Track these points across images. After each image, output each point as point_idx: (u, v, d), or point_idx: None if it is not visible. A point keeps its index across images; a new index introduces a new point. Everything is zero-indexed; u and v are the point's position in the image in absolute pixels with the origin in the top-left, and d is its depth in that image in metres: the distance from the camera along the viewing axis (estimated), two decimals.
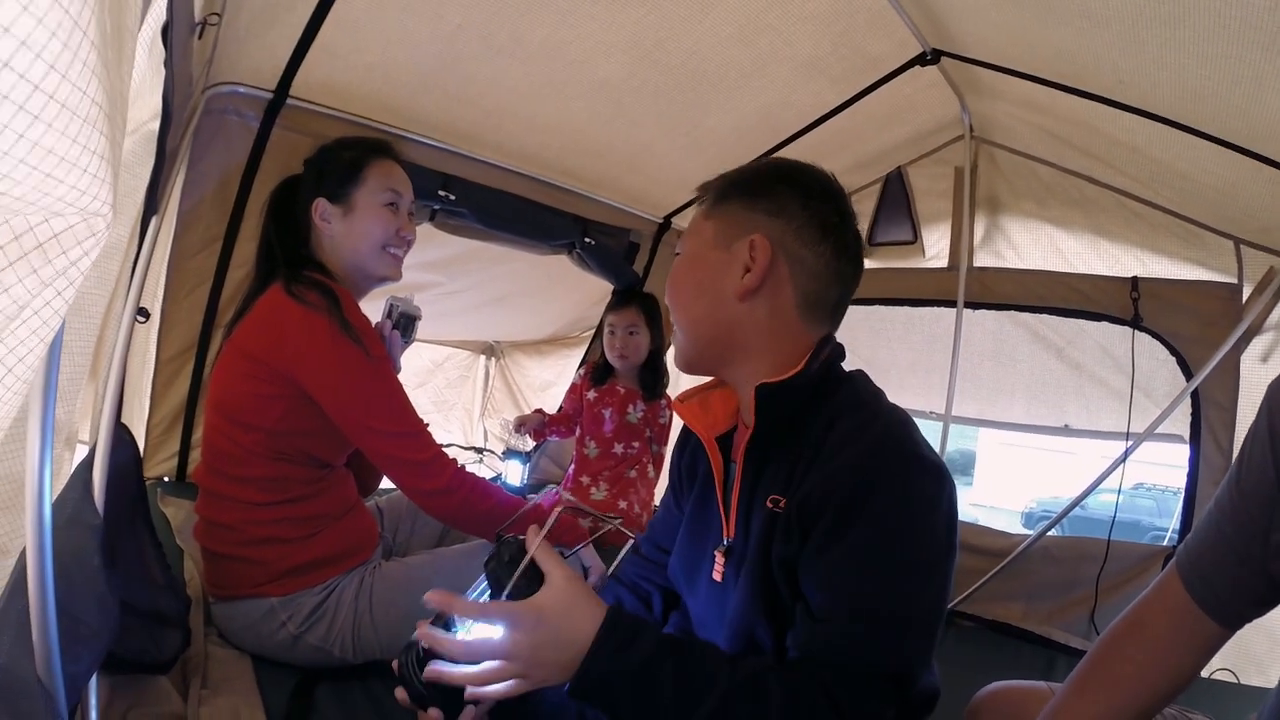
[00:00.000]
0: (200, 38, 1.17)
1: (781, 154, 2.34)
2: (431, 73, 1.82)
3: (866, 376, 0.92)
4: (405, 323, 1.56)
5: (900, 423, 0.82)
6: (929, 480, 0.78)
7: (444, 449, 1.38)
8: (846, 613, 0.76)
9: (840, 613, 0.76)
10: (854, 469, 0.77)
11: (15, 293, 0.38)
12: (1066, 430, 2.43)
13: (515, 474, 2.89)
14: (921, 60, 1.92)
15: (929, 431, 2.59)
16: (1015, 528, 2.33)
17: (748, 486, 0.90)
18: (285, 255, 1.36)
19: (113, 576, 0.73)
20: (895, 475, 0.77)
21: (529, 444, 2.94)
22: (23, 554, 0.58)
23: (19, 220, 0.32)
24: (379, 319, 1.56)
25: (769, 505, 0.85)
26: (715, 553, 0.93)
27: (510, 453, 2.92)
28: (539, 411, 2.65)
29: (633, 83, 1.93)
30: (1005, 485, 13.44)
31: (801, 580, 0.81)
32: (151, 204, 1.15)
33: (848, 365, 0.94)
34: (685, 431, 1.05)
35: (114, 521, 0.88)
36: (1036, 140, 2.14)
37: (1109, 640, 0.80)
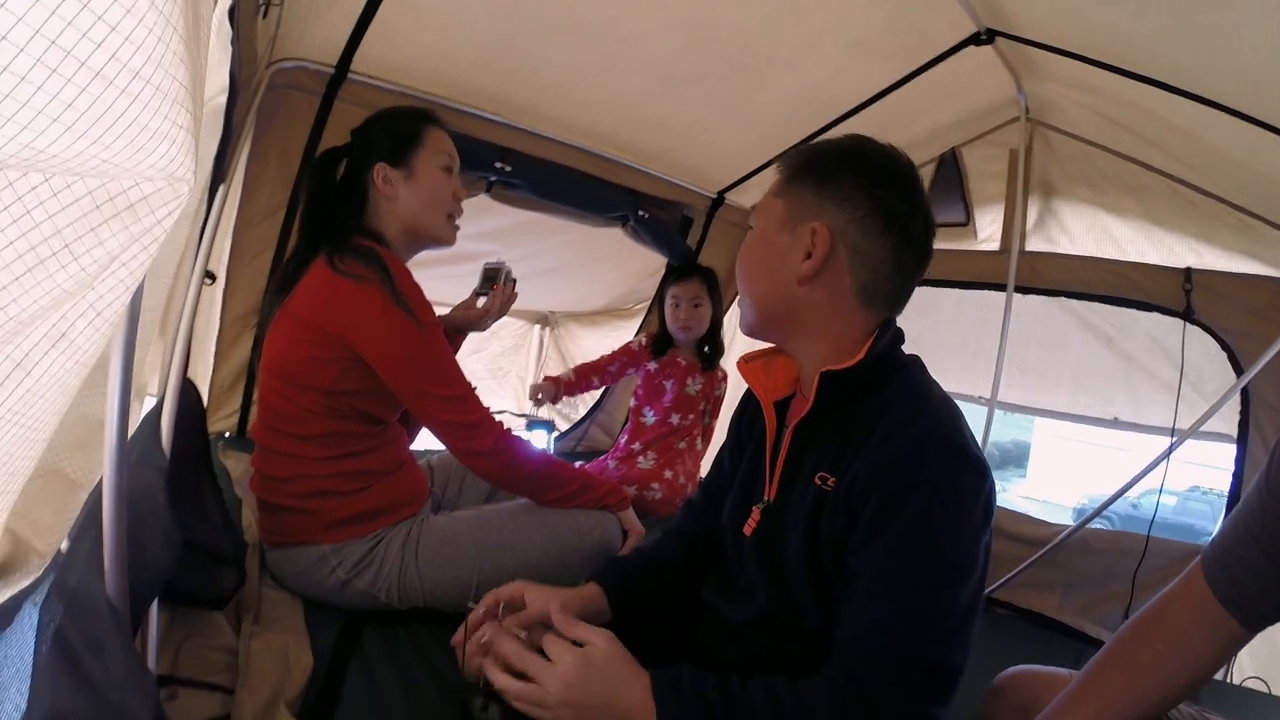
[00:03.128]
0: (264, 17, 1.23)
1: (835, 131, 2.32)
2: (487, 50, 1.85)
3: (921, 364, 0.95)
4: (492, 275, 1.70)
5: (949, 417, 0.84)
6: (971, 476, 0.80)
7: (491, 413, 1.43)
8: (886, 603, 0.78)
9: (880, 603, 0.79)
10: (900, 461, 0.80)
11: (109, 245, 0.43)
12: (1116, 423, 2.38)
13: (540, 443, 2.91)
14: (976, 40, 1.88)
15: (974, 416, 2.58)
16: (1067, 522, 2.31)
17: (794, 454, 0.94)
18: (332, 224, 1.40)
19: (176, 514, 0.79)
20: (940, 470, 0.79)
21: (579, 411, 2.95)
22: (96, 488, 0.64)
23: (114, 183, 0.37)
24: (498, 282, 1.72)
25: (817, 482, 0.88)
26: (754, 508, 0.98)
27: (534, 422, 2.96)
28: (551, 379, 2.63)
29: (684, 60, 1.95)
30: (1058, 478, 13.10)
31: (848, 564, 0.83)
32: (218, 173, 1.21)
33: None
34: (749, 393, 1.09)
35: (178, 466, 0.96)
36: (1091, 124, 2.09)
37: (1130, 630, 0.81)
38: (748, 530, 0.97)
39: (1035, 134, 2.29)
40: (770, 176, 0.99)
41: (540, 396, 2.57)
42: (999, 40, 1.87)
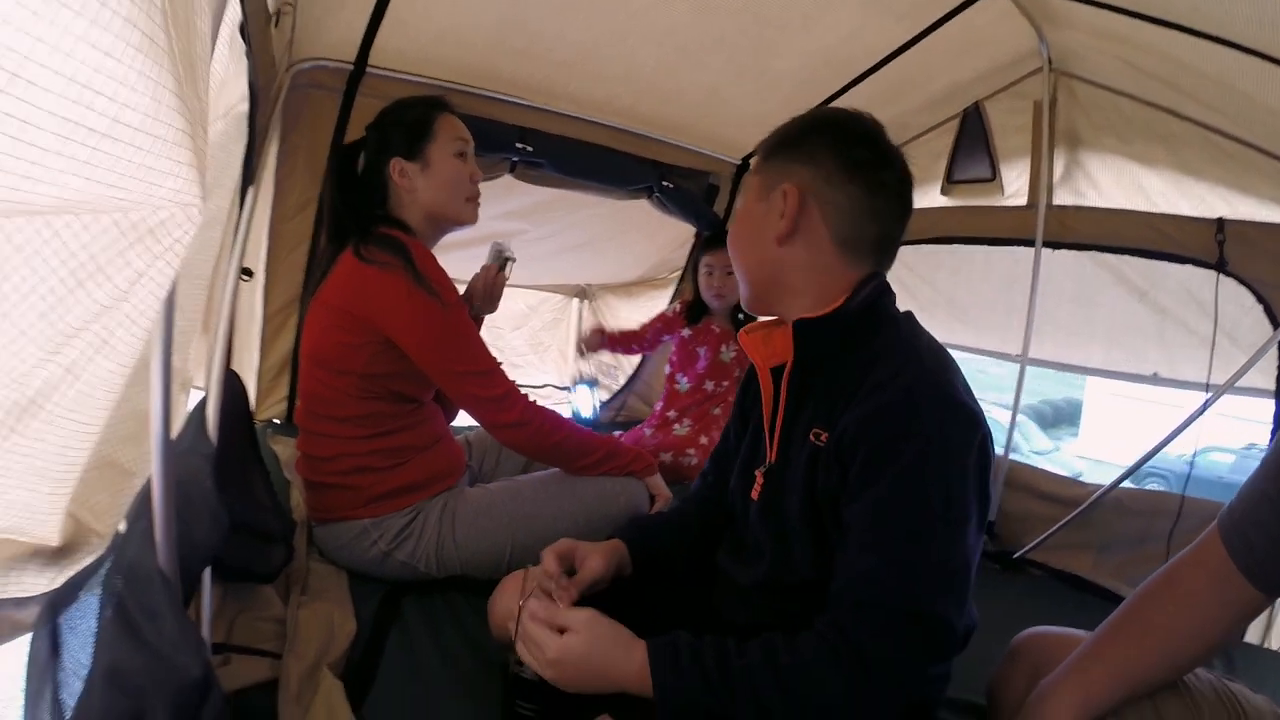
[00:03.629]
0: (277, 26, 1.29)
1: (854, 91, 2.31)
2: (499, 32, 1.89)
3: (913, 318, 0.97)
4: (507, 263, 1.71)
5: (938, 367, 0.86)
6: (962, 426, 0.81)
7: (516, 386, 1.49)
8: (875, 553, 0.80)
9: (869, 554, 0.81)
10: (889, 410, 0.82)
11: (136, 264, 0.49)
12: (1155, 378, 2.34)
13: (585, 401, 2.98)
14: None
15: (1007, 373, 2.55)
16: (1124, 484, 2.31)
17: (790, 415, 0.97)
18: (355, 218, 1.47)
19: (223, 497, 0.87)
20: (929, 420, 0.81)
21: (619, 381, 3.00)
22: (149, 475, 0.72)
23: (134, 214, 0.43)
24: (486, 260, 1.72)
25: (811, 439, 0.91)
26: (756, 472, 1.02)
27: (579, 380, 3.02)
28: (598, 330, 2.72)
29: (696, 29, 1.96)
30: (1112, 436, 12.77)
31: (843, 516, 0.86)
32: (247, 176, 1.29)
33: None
34: (752, 367, 1.12)
35: (225, 452, 1.04)
36: (1116, 72, 2.03)
37: (1145, 591, 0.80)
38: (754, 495, 1.01)
39: (1059, 85, 2.23)
40: None
41: (585, 348, 2.66)
42: None
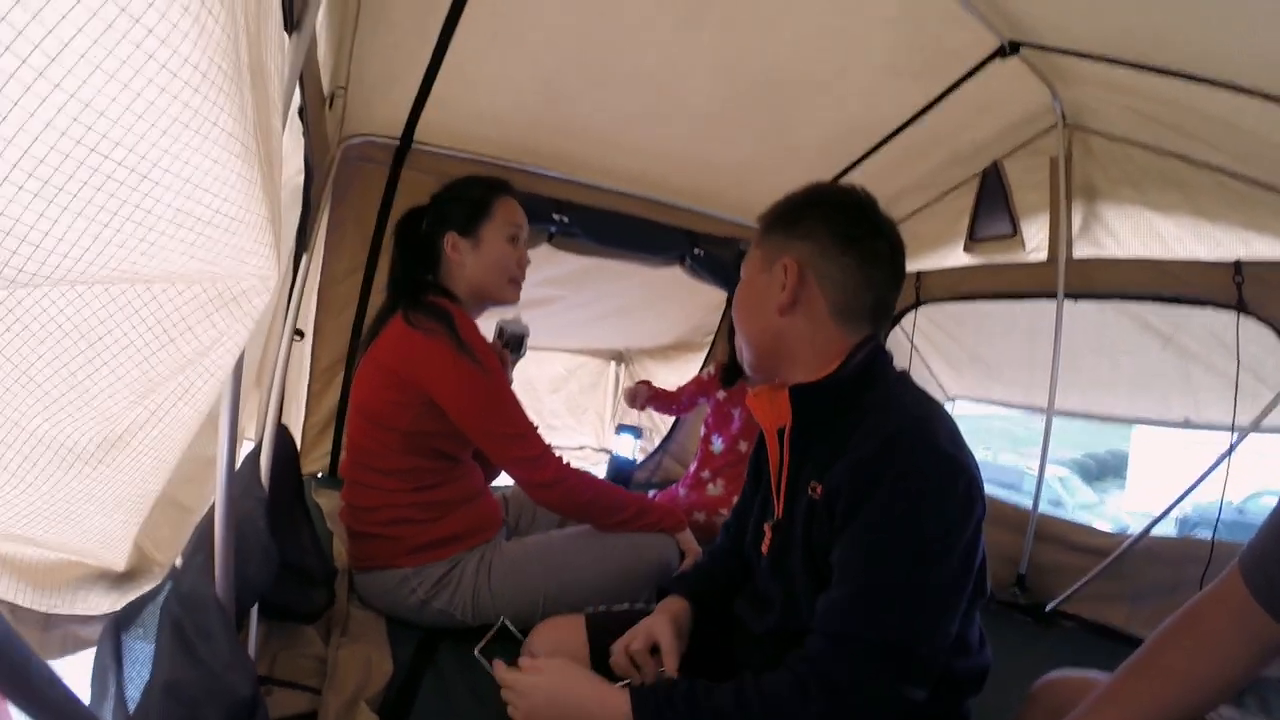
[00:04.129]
0: (331, 108, 1.42)
1: (877, 155, 2.40)
2: (536, 110, 2.03)
3: (907, 377, 1.01)
4: (515, 342, 1.76)
5: (922, 417, 0.90)
6: (939, 470, 0.85)
7: (550, 447, 1.56)
8: (849, 587, 0.85)
9: (841, 587, 0.86)
10: (868, 459, 0.86)
11: (219, 326, 0.58)
12: (1187, 424, 2.33)
13: (626, 447, 3.03)
14: (1001, 53, 1.93)
15: (1034, 425, 2.54)
16: (1170, 533, 2.22)
17: (793, 473, 1.01)
18: (409, 283, 1.57)
19: (273, 538, 0.95)
20: (902, 463, 0.84)
21: (639, 421, 3.06)
22: (207, 512, 0.80)
23: (222, 283, 0.52)
24: (492, 339, 1.77)
25: (809, 493, 0.96)
26: (765, 527, 1.06)
27: (622, 427, 3.07)
28: (644, 382, 2.79)
29: (722, 102, 2.07)
30: (1159, 487, 12.35)
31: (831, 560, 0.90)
32: (301, 244, 1.41)
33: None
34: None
35: (275, 498, 1.12)
36: (1127, 122, 2.08)
37: (1165, 631, 0.79)
38: (764, 549, 1.05)
39: (1074, 139, 2.29)
40: None
41: (632, 399, 2.72)
42: (1024, 50, 1.91)
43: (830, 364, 0.97)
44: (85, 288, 0.53)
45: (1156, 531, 2.15)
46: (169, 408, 0.62)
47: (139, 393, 0.59)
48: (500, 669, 0.98)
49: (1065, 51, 1.84)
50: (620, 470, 3.11)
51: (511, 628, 1.08)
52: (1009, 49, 1.91)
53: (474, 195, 1.60)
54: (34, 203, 0.36)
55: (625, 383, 3.87)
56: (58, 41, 0.32)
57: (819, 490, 0.93)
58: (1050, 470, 2.54)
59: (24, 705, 0.37)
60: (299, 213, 1.39)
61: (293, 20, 0.71)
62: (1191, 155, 2.00)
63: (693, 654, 1.13)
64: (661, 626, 1.11)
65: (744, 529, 1.20)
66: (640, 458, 3.16)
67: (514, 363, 1.79)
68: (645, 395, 2.75)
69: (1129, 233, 2.24)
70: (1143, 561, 2.09)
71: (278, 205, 0.52)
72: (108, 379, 0.57)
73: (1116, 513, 12.17)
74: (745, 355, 1.09)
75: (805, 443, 0.99)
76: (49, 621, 0.73)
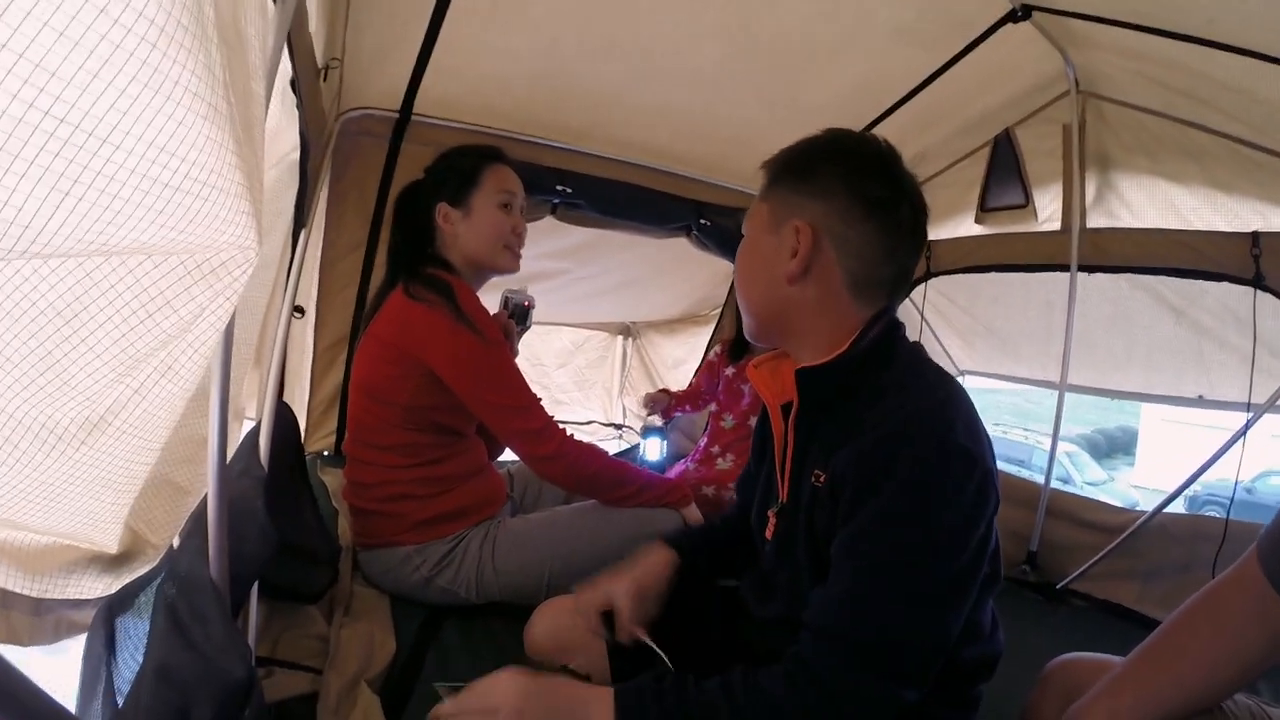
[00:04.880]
0: (325, 80, 1.39)
1: (886, 122, 2.35)
2: (537, 80, 1.99)
3: (922, 353, 0.93)
4: (520, 312, 1.74)
5: (937, 405, 0.82)
6: (952, 466, 0.78)
7: (554, 420, 1.54)
8: (846, 583, 0.80)
9: (841, 582, 0.80)
10: (876, 450, 0.79)
11: (199, 299, 0.56)
12: (1201, 401, 2.30)
13: (654, 450, 3.04)
14: (1013, 17, 1.87)
15: (1047, 400, 2.51)
16: (1180, 509, 2.21)
17: (799, 455, 0.93)
18: (407, 257, 1.55)
19: (273, 518, 0.94)
20: (914, 459, 0.77)
21: (660, 420, 3.09)
22: (204, 494, 0.78)
23: (200, 255, 0.49)
24: (497, 309, 1.75)
25: (812, 480, 0.89)
26: (769, 513, 1.00)
27: (649, 430, 3.08)
28: (664, 391, 2.78)
29: (727, 67, 2.02)
30: (1169, 464, 12.35)
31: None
32: (299, 220, 1.38)
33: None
34: None
35: (276, 477, 1.11)
36: (1141, 89, 2.02)
37: (1181, 615, 0.78)
38: (768, 534, 0.99)
39: (1087, 107, 2.23)
40: None
41: (653, 406, 2.70)
42: (1036, 15, 1.86)
43: (842, 341, 0.88)
44: (59, 262, 0.50)
45: (1168, 509, 2.12)
46: (152, 386, 0.60)
47: (119, 371, 0.57)
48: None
49: (1077, 15, 1.79)
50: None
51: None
52: (1021, 13, 1.86)
53: (463, 165, 1.58)
54: None
55: (633, 356, 3.87)
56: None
57: (822, 478, 0.87)
58: (1060, 446, 2.52)
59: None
60: (296, 189, 1.36)
61: None
62: (1208, 123, 1.94)
63: (693, 636, 1.10)
64: (620, 589, 1.05)
65: (748, 505, 1.15)
66: (664, 453, 3.15)
67: (520, 334, 1.77)
68: (665, 402, 2.74)
69: (1144, 203, 2.19)
70: (1155, 539, 2.07)
71: (257, 172, 0.49)
72: (86, 357, 0.55)
73: (1125, 489, 12.17)
74: (746, 323, 0.99)
75: (811, 423, 0.92)
76: (41, 606, 0.72)
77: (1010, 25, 1.90)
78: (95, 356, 0.55)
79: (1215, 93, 1.78)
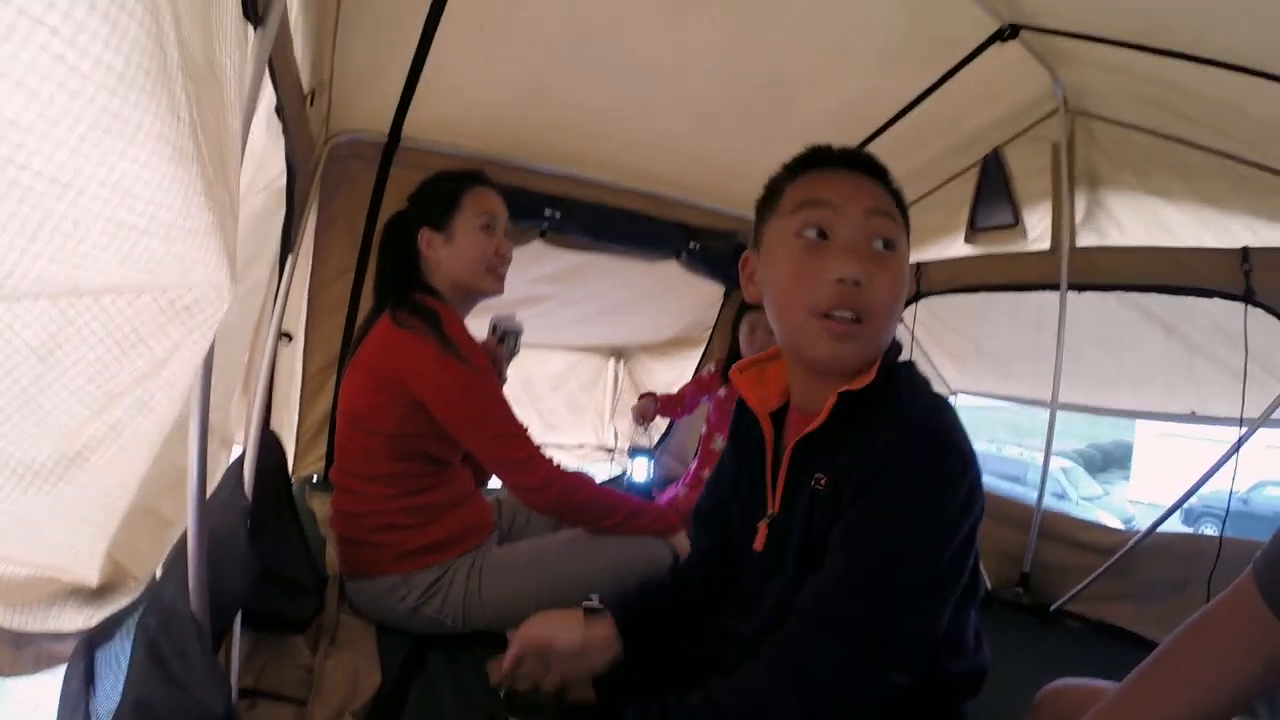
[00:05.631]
0: (313, 105, 1.40)
1: (875, 143, 2.35)
2: (526, 104, 2.00)
3: (914, 367, 0.94)
4: (509, 339, 1.75)
5: (935, 407, 0.85)
6: (949, 462, 0.80)
7: (540, 450, 1.53)
8: (838, 570, 0.80)
9: (834, 569, 0.81)
10: (882, 446, 0.81)
11: (174, 336, 0.55)
12: (1193, 417, 2.30)
13: (640, 470, 3.02)
14: (1000, 36, 1.88)
15: (1038, 419, 2.51)
16: (1175, 526, 2.20)
17: (796, 467, 0.93)
18: (393, 285, 1.55)
19: (256, 548, 0.93)
20: (917, 453, 0.80)
21: (652, 439, 3.04)
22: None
23: (172, 293, 0.49)
24: (485, 336, 1.75)
25: (813, 484, 0.89)
26: (759, 525, 0.98)
27: (635, 450, 3.06)
28: (649, 394, 2.74)
29: (715, 91, 2.03)
30: (1165, 480, 12.36)
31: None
32: (286, 245, 1.38)
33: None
34: (743, 402, 1.08)
35: (261, 507, 1.10)
36: (1129, 106, 2.03)
37: (1175, 639, 0.76)
38: (758, 546, 0.98)
39: (1076, 125, 2.24)
40: None
41: (641, 417, 2.67)
42: (1024, 34, 1.86)
43: (876, 362, 0.88)
44: (32, 301, 0.50)
45: (1163, 527, 2.10)
46: (128, 422, 0.60)
47: (95, 408, 0.57)
48: None
49: (1065, 34, 1.80)
50: (636, 494, 3.08)
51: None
52: (1008, 32, 1.87)
53: (444, 189, 1.58)
54: None
55: (625, 379, 3.84)
56: None
57: (824, 481, 0.87)
58: (1054, 462, 2.52)
59: None
60: (283, 214, 1.36)
61: (256, 13, 0.68)
62: (1197, 140, 1.95)
63: (672, 662, 1.09)
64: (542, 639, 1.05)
65: (715, 533, 1.13)
66: (653, 474, 3.13)
67: (509, 360, 1.77)
68: (653, 409, 2.69)
69: (1133, 220, 2.20)
70: (1149, 558, 2.05)
71: (231, 209, 0.49)
72: (61, 394, 0.55)
73: (1121, 504, 12.15)
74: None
75: (815, 434, 0.91)
76: (20, 639, 0.71)
77: (998, 44, 1.91)
78: (70, 394, 0.55)
79: (1204, 109, 1.79)
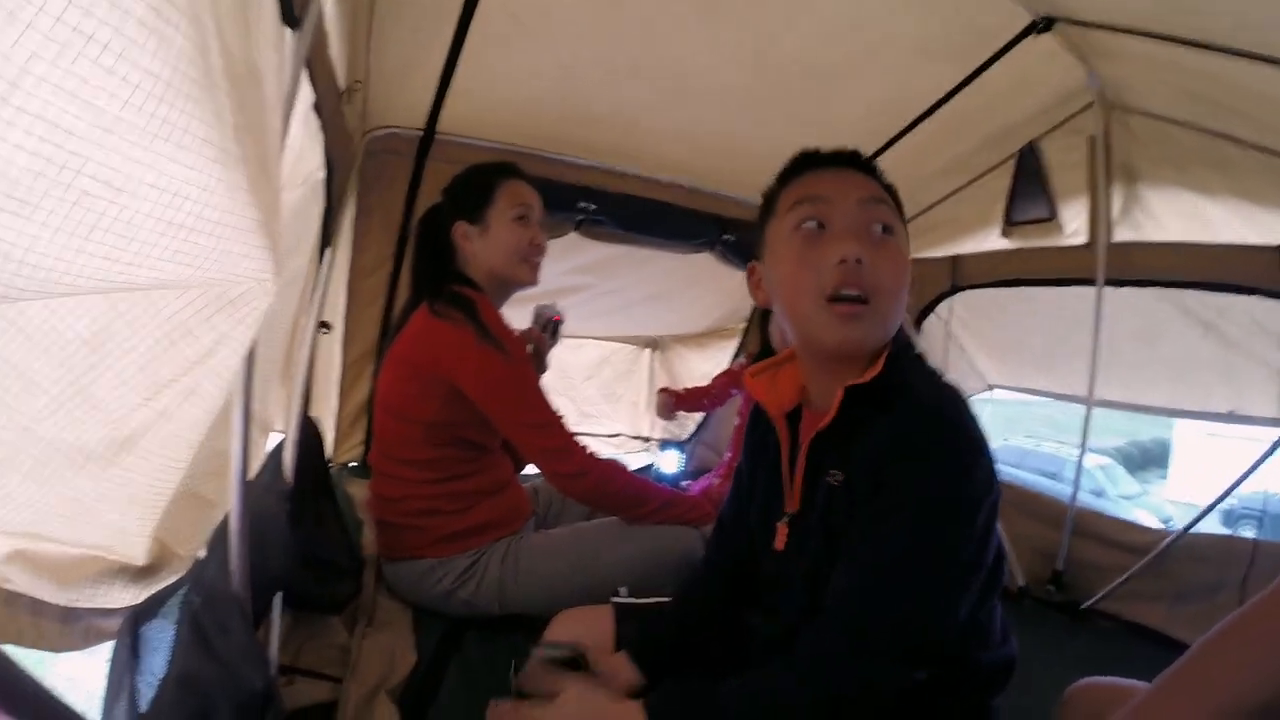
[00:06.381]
0: (350, 102, 1.43)
1: (909, 137, 2.33)
2: (559, 98, 2.01)
3: (921, 357, 0.96)
4: (551, 326, 1.80)
5: (945, 398, 0.85)
6: (962, 448, 0.81)
7: (575, 438, 1.56)
8: (862, 563, 0.82)
9: (857, 562, 0.82)
10: (895, 439, 0.82)
11: (220, 328, 0.59)
12: (1231, 417, 2.24)
13: (670, 462, 3.04)
14: (1034, 29, 1.85)
15: (1073, 415, 2.47)
16: (1214, 528, 2.15)
17: (813, 464, 0.95)
18: (430, 277, 1.59)
19: (296, 531, 0.97)
20: (932, 440, 0.81)
21: (687, 431, 3.05)
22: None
23: (219, 288, 0.52)
24: (529, 325, 1.80)
25: (829, 479, 0.90)
26: (778, 525, 0.99)
27: (666, 443, 3.08)
28: (663, 391, 2.76)
29: (748, 85, 2.03)
30: (1204, 479, 12.02)
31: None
32: (325, 238, 1.42)
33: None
34: (757, 409, 1.10)
35: (300, 491, 1.14)
36: (1167, 100, 1.98)
37: (1208, 640, 0.75)
38: (779, 545, 0.99)
39: (1112, 118, 2.18)
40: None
41: (663, 412, 2.69)
42: (1058, 26, 1.83)
43: (883, 353, 0.89)
44: (84, 296, 0.53)
45: (1200, 528, 2.06)
46: (176, 409, 0.63)
47: (145, 395, 0.60)
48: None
49: (1100, 26, 1.76)
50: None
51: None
52: (1042, 25, 1.83)
53: (478, 182, 1.61)
54: (12, 222, 0.36)
55: (660, 370, 3.86)
56: (16, 67, 0.32)
57: (840, 477, 0.89)
58: (1093, 459, 2.49)
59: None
60: (322, 208, 1.40)
61: (293, 15, 0.71)
62: (1235, 134, 1.89)
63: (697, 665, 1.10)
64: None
65: (741, 523, 1.14)
66: (683, 465, 3.14)
67: (550, 347, 1.81)
68: (670, 404, 2.70)
69: (1171, 215, 2.14)
70: (1184, 560, 2.01)
71: (273, 209, 0.52)
72: (113, 383, 0.58)
73: (1160, 503, 11.84)
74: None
75: (829, 430, 0.92)
76: (70, 615, 0.75)
77: (1032, 37, 1.87)
78: (121, 382, 0.58)
79: (1243, 102, 1.74)
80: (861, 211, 0.89)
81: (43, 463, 0.62)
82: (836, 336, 0.87)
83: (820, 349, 0.93)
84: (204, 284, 0.51)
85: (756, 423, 1.11)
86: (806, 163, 0.98)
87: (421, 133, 2.04)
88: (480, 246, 1.59)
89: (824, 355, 0.94)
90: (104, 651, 0.77)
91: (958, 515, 0.80)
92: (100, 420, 0.61)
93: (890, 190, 0.96)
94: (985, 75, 2.04)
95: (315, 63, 0.98)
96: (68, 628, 0.74)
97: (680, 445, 3.10)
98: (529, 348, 1.79)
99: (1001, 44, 1.93)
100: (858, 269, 0.85)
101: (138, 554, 0.76)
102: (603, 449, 1.59)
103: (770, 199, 0.99)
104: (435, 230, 1.63)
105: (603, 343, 3.70)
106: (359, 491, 2.06)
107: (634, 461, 3.54)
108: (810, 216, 0.90)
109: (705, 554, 1.24)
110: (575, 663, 1.02)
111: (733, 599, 1.14)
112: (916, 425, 0.82)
